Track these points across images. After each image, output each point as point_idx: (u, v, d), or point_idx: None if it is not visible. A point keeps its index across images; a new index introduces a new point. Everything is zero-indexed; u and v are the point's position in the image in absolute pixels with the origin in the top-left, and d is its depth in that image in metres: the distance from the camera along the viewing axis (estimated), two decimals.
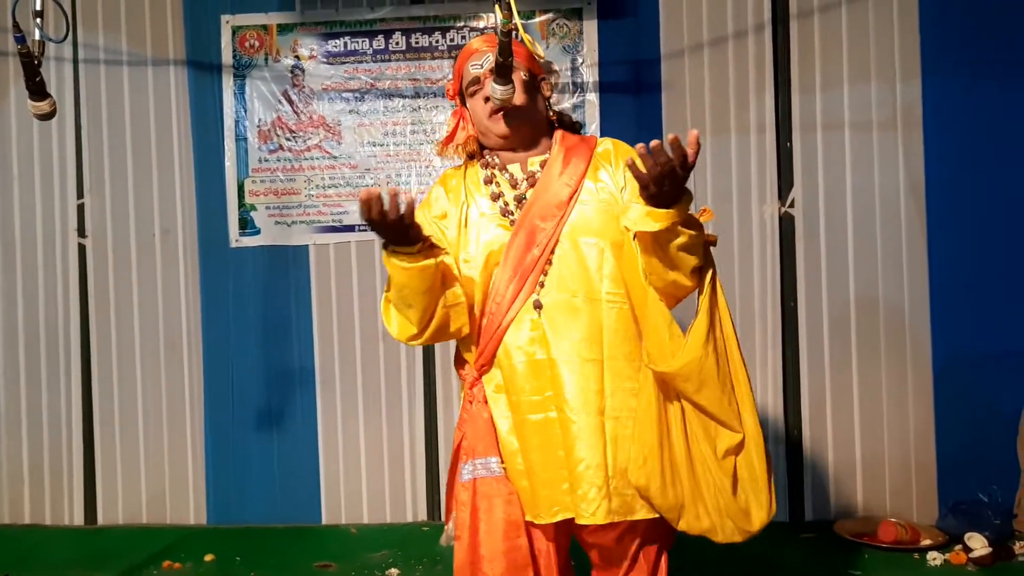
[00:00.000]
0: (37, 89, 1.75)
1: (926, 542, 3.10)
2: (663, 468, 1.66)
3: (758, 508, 1.71)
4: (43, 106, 1.77)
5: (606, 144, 1.86)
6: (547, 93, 1.90)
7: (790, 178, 3.43)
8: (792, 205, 3.43)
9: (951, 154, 3.33)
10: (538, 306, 1.74)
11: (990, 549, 2.92)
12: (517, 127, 1.81)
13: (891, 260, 3.38)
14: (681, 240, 1.56)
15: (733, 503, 1.69)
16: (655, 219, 1.52)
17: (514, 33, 1.71)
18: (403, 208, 1.57)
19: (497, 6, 1.62)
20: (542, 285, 1.74)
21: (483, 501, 1.75)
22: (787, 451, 3.44)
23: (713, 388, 1.64)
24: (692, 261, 1.60)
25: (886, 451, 3.40)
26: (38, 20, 1.76)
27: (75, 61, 3.57)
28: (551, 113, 1.90)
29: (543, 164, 1.82)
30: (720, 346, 1.68)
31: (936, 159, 3.35)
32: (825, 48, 3.40)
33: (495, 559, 1.73)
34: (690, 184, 3.41)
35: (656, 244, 1.58)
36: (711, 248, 1.71)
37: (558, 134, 1.86)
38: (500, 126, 1.81)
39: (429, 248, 1.68)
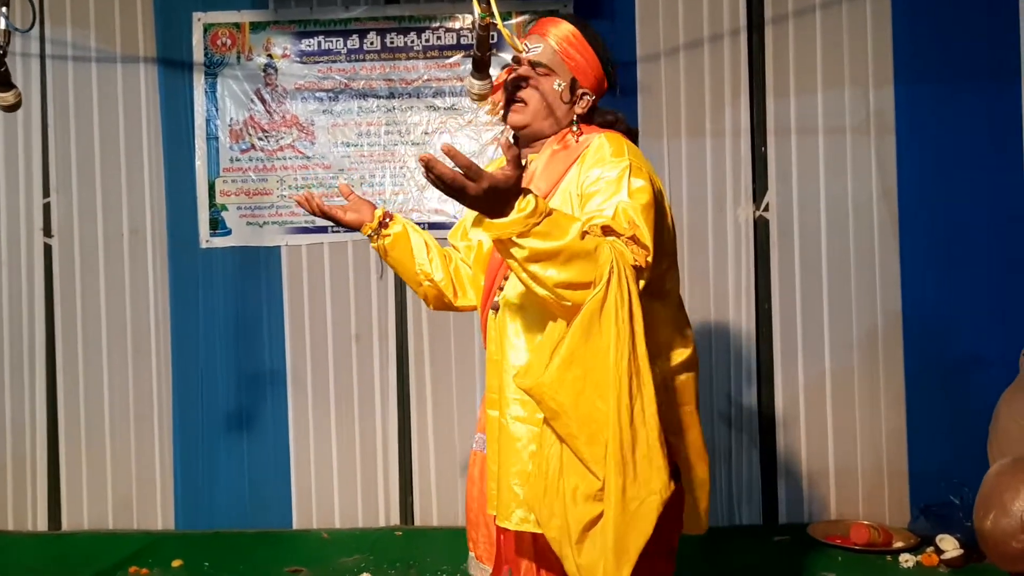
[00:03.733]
0: (2, 80, 1.71)
1: (898, 544, 3.12)
2: (543, 488, 1.58)
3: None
4: (7, 97, 1.72)
5: (595, 141, 1.74)
6: (563, 95, 1.78)
7: (764, 182, 3.45)
8: (767, 209, 3.45)
9: (923, 159, 3.37)
10: (495, 308, 1.77)
11: (961, 551, 2.94)
12: (524, 123, 1.79)
13: (864, 264, 3.41)
14: (521, 253, 1.41)
15: (580, 552, 1.54)
16: (483, 228, 1.44)
17: (492, 31, 1.71)
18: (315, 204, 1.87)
19: (475, 1, 1.61)
20: (501, 288, 1.76)
21: (474, 470, 1.88)
22: (761, 454, 3.45)
23: (568, 423, 1.49)
24: (547, 279, 1.43)
25: (859, 454, 3.42)
26: (3, 9, 1.72)
27: (42, 57, 3.50)
28: (573, 115, 1.79)
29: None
30: (595, 380, 1.49)
31: (908, 164, 3.38)
32: (799, 53, 3.43)
33: (470, 526, 1.88)
34: (666, 185, 3.42)
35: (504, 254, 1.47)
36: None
37: (561, 133, 1.80)
38: (509, 116, 1.80)
39: (380, 229, 1.92)
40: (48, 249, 3.55)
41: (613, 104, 3.44)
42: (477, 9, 1.61)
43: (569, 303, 1.45)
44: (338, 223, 1.96)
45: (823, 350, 3.43)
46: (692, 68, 3.46)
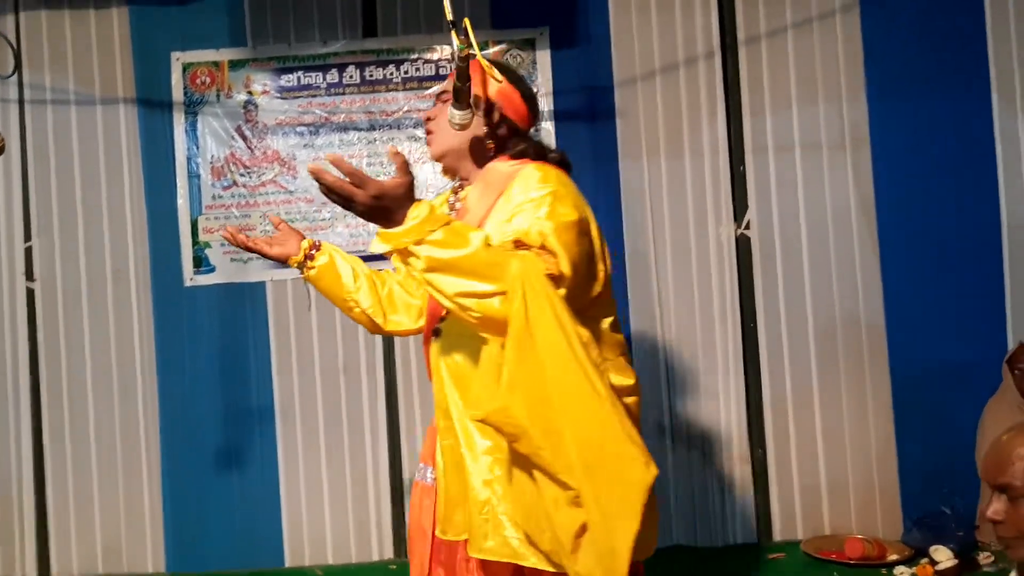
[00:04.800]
0: None
1: (892, 557, 3.13)
2: (527, 508, 1.59)
3: None
4: None
5: (523, 171, 1.73)
6: (477, 126, 1.78)
7: (744, 200, 3.48)
8: (748, 226, 3.48)
9: (899, 170, 3.42)
10: (436, 334, 1.80)
11: (955, 561, 2.95)
12: (438, 154, 1.84)
13: (846, 277, 3.44)
14: (419, 264, 1.41)
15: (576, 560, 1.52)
16: (379, 238, 1.44)
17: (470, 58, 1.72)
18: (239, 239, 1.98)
19: (454, 32, 1.62)
20: (443, 318, 1.77)
21: (416, 500, 1.91)
22: (753, 472, 3.45)
23: (530, 441, 1.48)
24: (446, 289, 1.43)
25: (849, 468, 3.43)
26: None
27: (20, 101, 3.50)
28: (489, 143, 1.80)
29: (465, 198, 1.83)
30: (544, 393, 1.48)
31: (885, 177, 3.43)
32: (773, 72, 3.47)
33: (410, 557, 1.90)
34: (648, 206, 3.46)
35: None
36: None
37: (489, 165, 1.81)
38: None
39: (306, 261, 2.00)
40: (31, 293, 3.53)
41: (594, 130, 3.52)
42: (456, 41, 1.63)
43: (476, 314, 1.45)
44: (264, 257, 2.03)
45: (810, 365, 3.45)
46: (668, 90, 3.50)
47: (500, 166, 1.79)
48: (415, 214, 1.39)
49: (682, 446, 3.46)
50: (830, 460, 3.43)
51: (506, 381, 1.48)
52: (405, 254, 1.41)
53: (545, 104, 3.50)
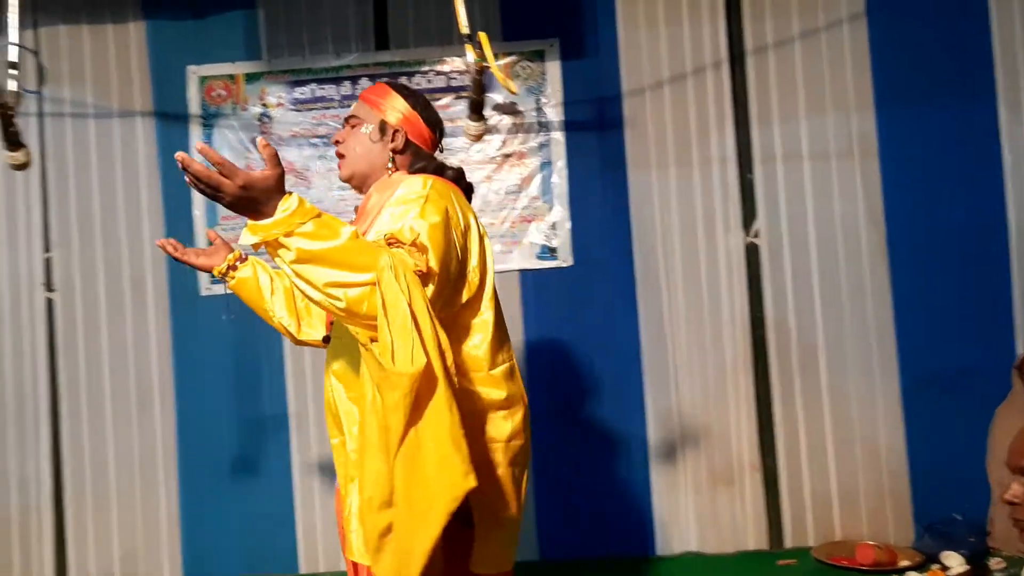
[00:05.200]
0: (13, 140, 1.75)
1: (904, 563, 3.14)
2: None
3: None
4: (18, 156, 1.77)
5: (406, 180, 1.80)
6: (372, 136, 1.88)
7: (753, 209, 3.51)
8: (757, 235, 3.51)
9: (907, 179, 3.45)
10: (326, 340, 1.90)
11: (967, 567, 2.96)
12: (347, 176, 1.92)
13: (855, 285, 3.47)
14: (288, 255, 1.43)
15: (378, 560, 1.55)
16: (248, 230, 1.45)
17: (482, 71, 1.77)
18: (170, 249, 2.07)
19: (469, 45, 1.67)
20: (332, 323, 1.87)
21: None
22: (764, 479, 3.47)
23: (362, 433, 1.56)
24: (316, 280, 1.45)
25: (860, 474, 3.45)
26: (14, 72, 1.78)
27: (40, 114, 3.56)
28: (391, 162, 1.88)
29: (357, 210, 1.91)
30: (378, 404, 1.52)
31: (893, 185, 3.45)
32: (781, 82, 3.51)
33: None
34: (657, 215, 3.49)
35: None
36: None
37: (380, 182, 1.88)
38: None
39: (229, 271, 2.09)
40: (50, 303, 3.58)
41: (604, 140, 3.55)
42: (472, 54, 1.67)
43: (342, 304, 1.46)
44: (193, 267, 2.15)
45: (819, 372, 3.47)
46: (677, 100, 3.54)
47: (396, 176, 1.87)
48: (285, 206, 1.41)
49: (692, 454, 3.49)
50: (841, 466, 3.44)
51: (363, 372, 1.52)
52: (275, 245, 1.43)
53: (554, 115, 3.55)
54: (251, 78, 3.59)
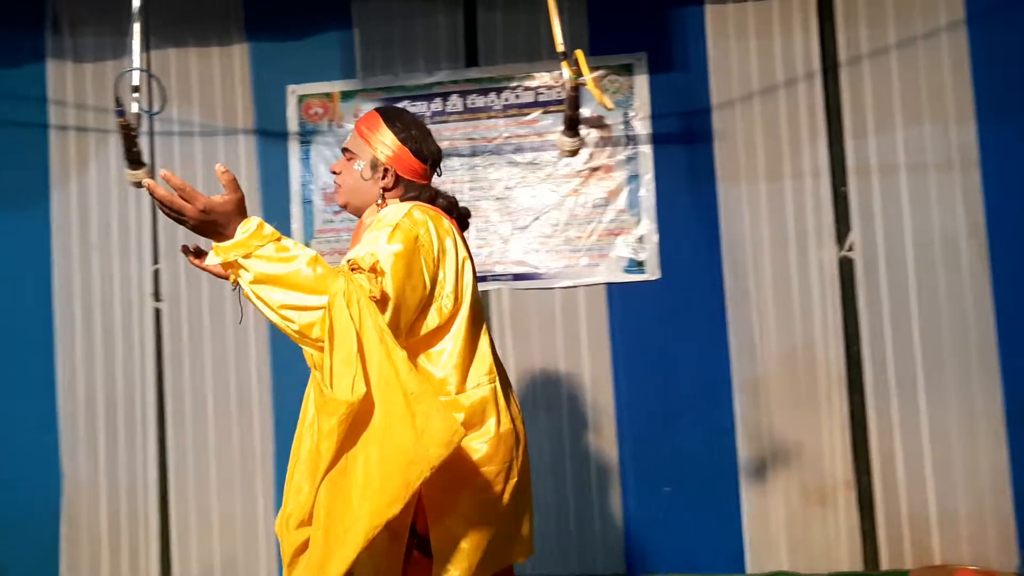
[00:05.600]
0: (134, 158, 1.87)
1: None
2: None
3: None
4: (139, 174, 1.88)
5: (386, 210, 1.87)
6: (363, 173, 1.93)
7: (847, 222, 3.45)
8: (851, 249, 3.44)
9: (1011, 191, 3.32)
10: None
11: None
12: (342, 204, 1.98)
13: (955, 300, 3.36)
14: (247, 276, 1.50)
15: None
16: (213, 252, 1.53)
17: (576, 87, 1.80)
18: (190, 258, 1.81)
19: (565, 63, 1.70)
20: None
21: None
22: (858, 499, 3.39)
23: (327, 443, 1.54)
24: (272, 302, 1.51)
25: (960, 495, 3.33)
26: (135, 95, 1.90)
27: (151, 133, 3.75)
28: (379, 189, 1.93)
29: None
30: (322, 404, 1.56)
31: (995, 197, 3.34)
32: (876, 93, 3.44)
33: None
34: (746, 230, 3.45)
35: None
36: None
37: (369, 209, 1.94)
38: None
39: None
40: (158, 313, 3.76)
41: (692, 153, 3.54)
42: (567, 71, 1.70)
43: (296, 326, 1.50)
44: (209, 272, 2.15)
45: (916, 390, 3.37)
46: (768, 112, 3.50)
47: (374, 208, 1.93)
48: (244, 228, 1.48)
49: (783, 472, 3.42)
50: (940, 486, 3.33)
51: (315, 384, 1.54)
52: (236, 266, 1.49)
53: (642, 128, 3.55)
54: (346, 96, 3.71)
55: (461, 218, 2.01)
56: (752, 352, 3.46)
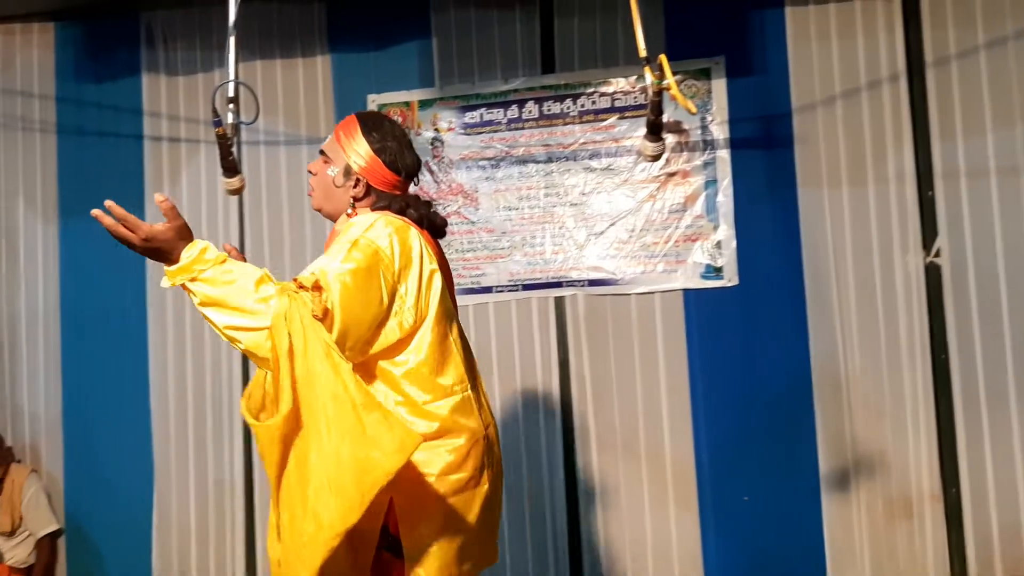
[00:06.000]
0: (229, 167, 1.95)
1: None
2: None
3: None
4: (234, 182, 1.96)
5: (355, 219, 1.90)
6: (335, 180, 1.96)
7: (934, 227, 3.36)
8: (938, 255, 3.34)
9: None
10: None
11: None
12: (316, 207, 2.02)
13: None
14: (195, 299, 1.56)
15: None
16: (166, 275, 1.58)
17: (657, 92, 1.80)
18: None
19: (647, 68, 1.70)
20: None
21: None
22: (946, 512, 3.29)
23: (264, 459, 1.61)
24: (217, 323, 1.57)
25: None
26: (231, 105, 1.98)
27: (238, 143, 3.87)
28: (351, 207, 1.96)
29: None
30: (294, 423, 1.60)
31: None
32: (965, 95, 3.35)
33: None
34: (829, 236, 3.39)
35: None
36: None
37: (342, 217, 1.96)
38: None
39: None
40: None
41: (771, 158, 3.50)
42: (650, 76, 1.71)
43: (242, 346, 1.56)
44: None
45: (1008, 399, 3.26)
46: (850, 116, 3.44)
47: (345, 217, 1.95)
48: (188, 254, 1.55)
49: (868, 484, 3.34)
50: None
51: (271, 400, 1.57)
52: (187, 290, 1.56)
53: (720, 133, 3.52)
54: (424, 104, 3.78)
55: (435, 228, 2.02)
56: (834, 360, 3.39)
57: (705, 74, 3.57)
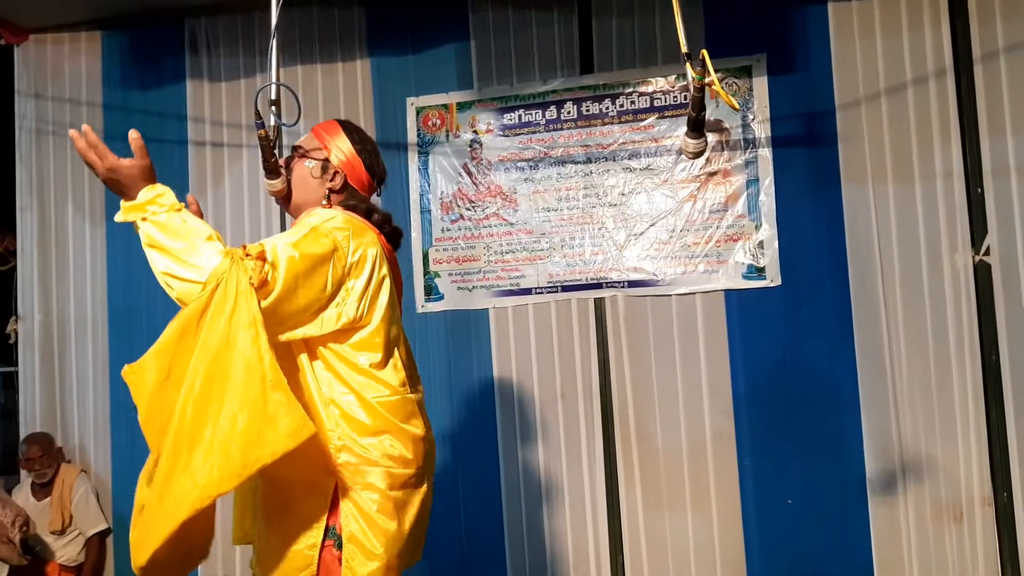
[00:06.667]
0: (272, 168, 1.97)
1: None
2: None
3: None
4: (276, 183, 1.98)
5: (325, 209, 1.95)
6: (313, 172, 2.00)
7: (983, 225, 3.28)
8: (987, 253, 3.27)
9: None
10: None
11: None
12: (283, 206, 2.08)
13: None
14: (143, 238, 1.63)
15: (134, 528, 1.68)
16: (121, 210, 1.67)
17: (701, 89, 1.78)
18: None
19: (689, 64, 1.69)
20: None
21: None
22: (996, 516, 3.21)
23: (142, 409, 1.63)
24: (157, 265, 1.63)
25: None
26: (273, 108, 2.00)
27: (280, 146, 3.90)
28: (326, 199, 1.99)
29: None
30: (177, 374, 1.63)
31: None
32: (1014, 89, 3.27)
33: None
34: (874, 234, 3.33)
35: None
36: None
37: (310, 209, 1.97)
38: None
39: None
40: None
41: (814, 156, 3.45)
42: (691, 72, 1.70)
43: (175, 293, 1.63)
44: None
45: None
46: (895, 112, 3.38)
47: (306, 217, 1.94)
48: (145, 194, 1.63)
49: (915, 487, 3.28)
50: None
51: (155, 348, 1.63)
52: (136, 227, 1.63)
53: (761, 131, 3.48)
54: (463, 107, 3.79)
55: (394, 235, 2.06)
56: (880, 361, 3.33)
57: (746, 72, 3.53)
